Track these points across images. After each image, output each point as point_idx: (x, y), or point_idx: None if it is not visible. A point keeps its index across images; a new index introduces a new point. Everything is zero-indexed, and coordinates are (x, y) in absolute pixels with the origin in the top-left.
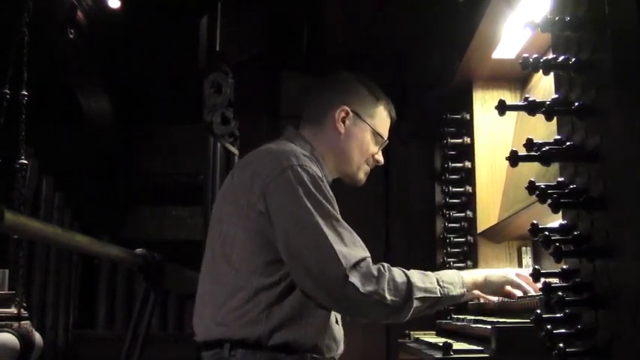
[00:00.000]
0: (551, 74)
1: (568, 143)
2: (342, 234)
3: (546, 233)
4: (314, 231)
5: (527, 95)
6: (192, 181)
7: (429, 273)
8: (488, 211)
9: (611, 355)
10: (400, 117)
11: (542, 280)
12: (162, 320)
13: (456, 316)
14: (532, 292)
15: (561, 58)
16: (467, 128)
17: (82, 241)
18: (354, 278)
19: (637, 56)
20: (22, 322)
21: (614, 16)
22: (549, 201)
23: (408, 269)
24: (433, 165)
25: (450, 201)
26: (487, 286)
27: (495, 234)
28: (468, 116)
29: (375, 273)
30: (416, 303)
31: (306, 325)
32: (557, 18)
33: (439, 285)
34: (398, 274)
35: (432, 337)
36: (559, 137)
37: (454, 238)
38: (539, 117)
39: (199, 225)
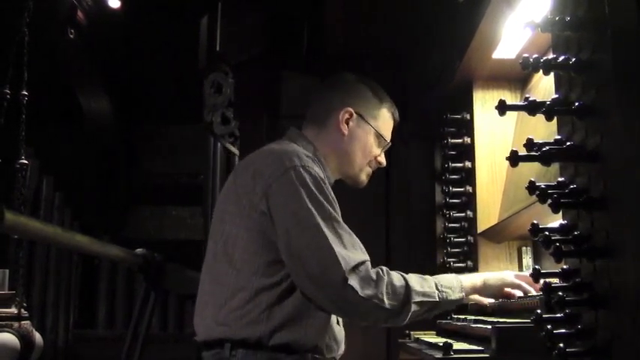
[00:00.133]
0: (552, 74)
1: (568, 143)
2: (343, 236)
3: (546, 233)
4: (315, 232)
5: (527, 95)
6: (193, 181)
7: (427, 277)
8: (488, 211)
9: (611, 355)
10: (400, 117)
11: (543, 280)
12: (162, 320)
13: (456, 316)
14: (532, 292)
15: (561, 58)
16: (467, 128)
17: (82, 241)
18: (354, 281)
19: (637, 56)
20: (23, 322)
21: (614, 16)
22: (549, 201)
23: (409, 269)
24: (433, 165)
25: (450, 201)
26: (486, 290)
27: (495, 234)
28: (468, 116)
29: (374, 277)
30: (414, 307)
31: (307, 326)
32: (557, 18)
33: (438, 289)
34: (396, 278)
35: (432, 337)
36: (559, 137)
37: (454, 238)
38: (540, 117)
39: (199, 225)
